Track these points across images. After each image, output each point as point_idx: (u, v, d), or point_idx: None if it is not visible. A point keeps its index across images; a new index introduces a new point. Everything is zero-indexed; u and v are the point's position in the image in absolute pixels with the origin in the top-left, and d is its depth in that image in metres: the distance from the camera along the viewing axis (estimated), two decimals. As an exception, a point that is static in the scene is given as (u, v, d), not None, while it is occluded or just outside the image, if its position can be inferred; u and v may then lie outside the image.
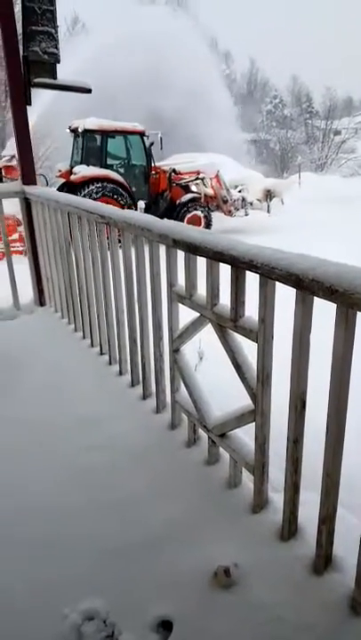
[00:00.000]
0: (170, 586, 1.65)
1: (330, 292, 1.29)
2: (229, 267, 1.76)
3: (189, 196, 10.78)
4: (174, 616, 1.56)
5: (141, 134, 10.72)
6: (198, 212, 10.81)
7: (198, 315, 2.10)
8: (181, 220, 9.66)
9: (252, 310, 1.78)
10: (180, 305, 2.24)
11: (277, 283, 1.54)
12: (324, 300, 1.36)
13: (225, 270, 1.86)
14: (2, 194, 4.14)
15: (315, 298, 1.43)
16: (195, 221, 10.37)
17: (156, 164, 11.24)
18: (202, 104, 23.54)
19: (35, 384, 3.01)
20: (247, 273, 1.70)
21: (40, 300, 4.34)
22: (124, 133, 10.81)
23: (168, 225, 2.15)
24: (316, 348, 1.57)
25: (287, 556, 1.71)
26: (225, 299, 1.92)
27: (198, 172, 11.14)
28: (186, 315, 2.22)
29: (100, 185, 9.87)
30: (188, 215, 10.46)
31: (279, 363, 1.74)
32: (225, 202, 11.49)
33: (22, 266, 4.34)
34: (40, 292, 4.32)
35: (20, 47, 3.60)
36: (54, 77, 3.80)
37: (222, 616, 1.55)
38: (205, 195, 11.14)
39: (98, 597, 1.62)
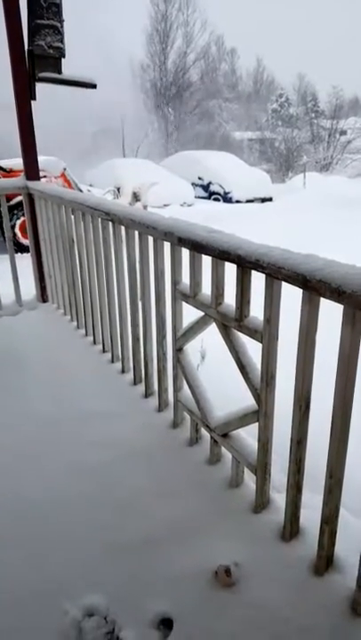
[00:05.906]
0: (171, 584, 1.65)
1: (337, 294, 1.28)
2: (235, 266, 1.75)
3: (19, 198, 7.03)
4: (175, 614, 1.56)
5: None
6: None
7: (202, 314, 2.10)
8: (12, 229, 7.82)
9: (256, 310, 1.78)
10: (184, 303, 2.24)
11: (283, 283, 1.54)
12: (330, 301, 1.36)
13: (229, 269, 1.85)
14: (5, 189, 4.14)
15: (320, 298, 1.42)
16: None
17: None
18: None
19: (36, 380, 3.01)
20: (253, 272, 1.70)
21: (42, 296, 4.34)
22: None
23: (174, 223, 2.14)
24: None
25: (288, 556, 1.71)
26: (229, 298, 1.92)
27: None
28: (192, 314, 2.21)
29: None
30: (19, 222, 8.05)
31: (281, 363, 1.73)
32: None
33: (25, 261, 4.34)
34: (42, 288, 4.32)
35: (25, 41, 3.59)
36: (59, 72, 3.79)
37: (222, 615, 1.55)
38: None
39: (98, 594, 1.63)
